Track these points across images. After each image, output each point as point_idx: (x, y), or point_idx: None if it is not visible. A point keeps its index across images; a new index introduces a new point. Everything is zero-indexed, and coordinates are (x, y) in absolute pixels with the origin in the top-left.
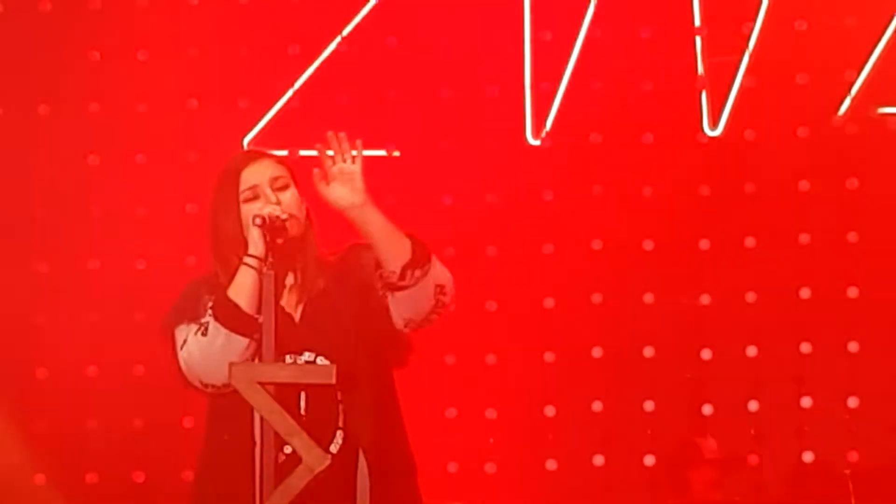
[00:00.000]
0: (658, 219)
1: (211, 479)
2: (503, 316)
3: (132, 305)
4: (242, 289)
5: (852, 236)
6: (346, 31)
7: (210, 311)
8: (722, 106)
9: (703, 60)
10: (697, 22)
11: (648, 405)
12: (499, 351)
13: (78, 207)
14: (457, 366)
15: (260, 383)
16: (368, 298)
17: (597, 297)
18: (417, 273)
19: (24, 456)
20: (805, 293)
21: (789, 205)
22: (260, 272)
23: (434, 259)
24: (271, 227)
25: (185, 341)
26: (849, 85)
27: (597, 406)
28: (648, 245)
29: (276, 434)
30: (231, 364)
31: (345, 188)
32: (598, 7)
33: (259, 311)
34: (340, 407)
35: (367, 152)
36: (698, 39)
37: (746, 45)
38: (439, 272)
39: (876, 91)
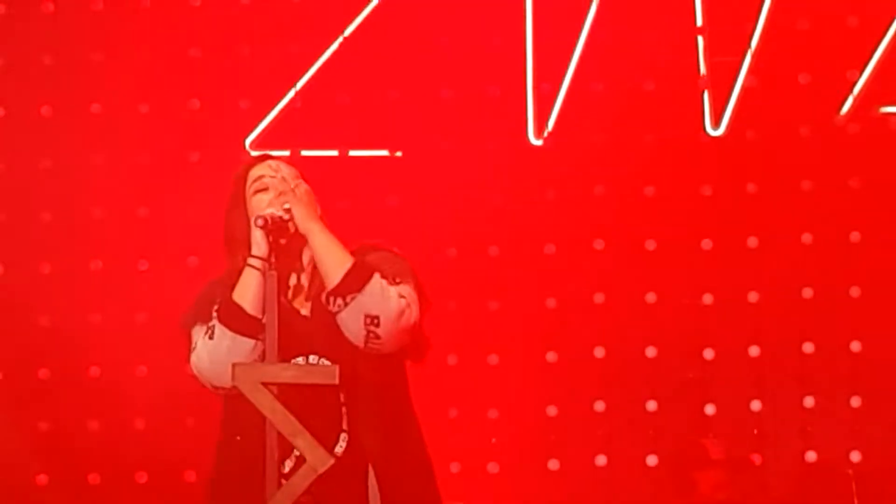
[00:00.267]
0: (660, 218)
1: (224, 481)
2: (505, 316)
3: (134, 306)
4: (247, 290)
5: (855, 236)
6: (347, 32)
7: (215, 314)
8: (724, 106)
9: (705, 60)
10: (699, 22)
11: (651, 405)
12: (501, 351)
13: (80, 209)
14: (459, 366)
15: (263, 384)
16: None
17: (599, 297)
18: (339, 302)
19: (27, 456)
20: (807, 293)
21: (792, 204)
22: (264, 272)
23: (371, 288)
24: (274, 227)
25: (195, 344)
26: (851, 84)
27: (599, 406)
28: (651, 245)
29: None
30: (234, 364)
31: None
32: (599, 7)
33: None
34: (344, 409)
35: (369, 153)
36: (700, 39)
37: (748, 45)
38: (375, 302)
39: (878, 90)
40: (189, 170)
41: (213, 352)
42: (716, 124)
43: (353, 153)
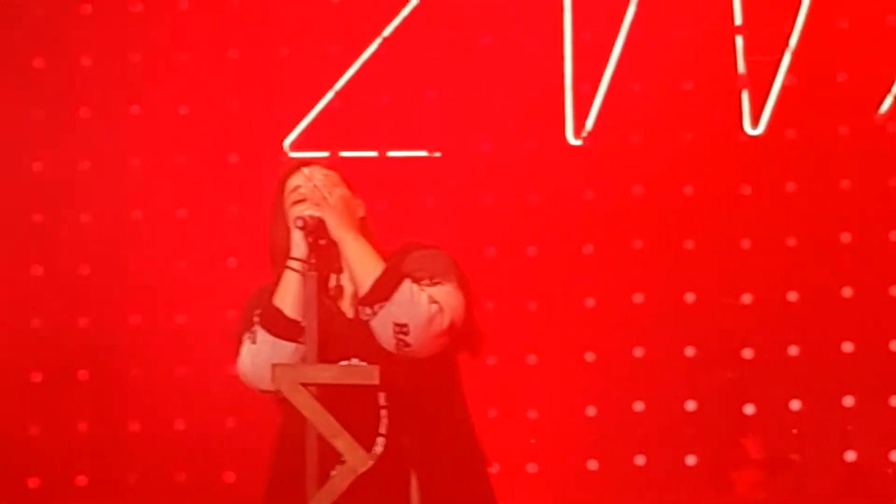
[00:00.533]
0: (699, 218)
1: (280, 484)
2: (544, 316)
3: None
4: (287, 293)
5: (894, 235)
6: (386, 32)
7: (257, 319)
8: (763, 105)
9: (744, 59)
10: (738, 21)
11: (690, 405)
12: (540, 351)
13: (119, 210)
14: (498, 366)
15: (303, 384)
16: None
17: (638, 297)
18: (368, 311)
19: (67, 457)
20: (846, 292)
21: (830, 204)
22: (303, 274)
23: (400, 296)
24: (313, 228)
25: (241, 348)
26: (890, 83)
27: (638, 406)
28: (689, 244)
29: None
30: (274, 365)
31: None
32: (638, 7)
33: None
34: (384, 412)
35: (408, 153)
36: (739, 38)
37: (787, 44)
38: (404, 310)
39: None
40: (228, 171)
41: (256, 356)
42: (754, 123)
43: (391, 154)
